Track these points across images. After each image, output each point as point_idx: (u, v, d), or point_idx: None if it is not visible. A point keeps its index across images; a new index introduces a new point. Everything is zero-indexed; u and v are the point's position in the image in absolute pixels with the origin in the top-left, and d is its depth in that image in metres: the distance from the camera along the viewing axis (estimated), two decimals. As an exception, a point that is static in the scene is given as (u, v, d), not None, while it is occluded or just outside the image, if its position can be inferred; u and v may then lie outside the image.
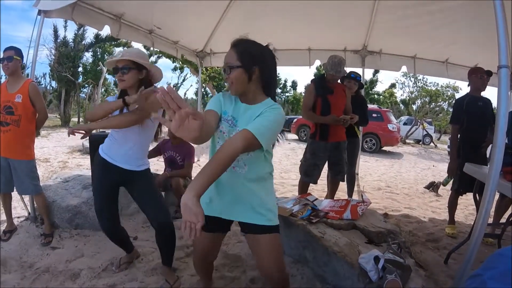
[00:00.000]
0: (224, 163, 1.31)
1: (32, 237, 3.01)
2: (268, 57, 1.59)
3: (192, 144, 3.69)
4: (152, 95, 2.02)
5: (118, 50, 20.14)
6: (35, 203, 3.20)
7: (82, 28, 16.63)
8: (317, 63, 5.77)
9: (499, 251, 0.85)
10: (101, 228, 2.33)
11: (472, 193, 3.00)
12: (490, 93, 3.72)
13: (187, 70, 22.05)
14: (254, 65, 1.54)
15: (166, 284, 2.32)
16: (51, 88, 18.21)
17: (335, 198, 3.74)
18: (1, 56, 2.85)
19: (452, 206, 3.65)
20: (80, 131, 2.23)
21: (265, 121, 1.46)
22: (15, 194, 3.12)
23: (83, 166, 6.19)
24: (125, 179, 2.28)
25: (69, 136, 2.26)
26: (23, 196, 3.31)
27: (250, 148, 1.43)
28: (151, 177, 2.42)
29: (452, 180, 3.66)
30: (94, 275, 2.44)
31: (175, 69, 23.14)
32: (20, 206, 3.51)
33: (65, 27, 16.44)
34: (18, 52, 2.89)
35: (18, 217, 3.36)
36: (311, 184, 3.74)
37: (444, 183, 3.59)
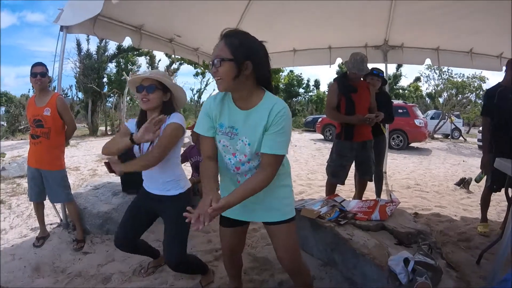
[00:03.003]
0: (256, 191, 1.50)
1: (64, 243, 3.11)
2: (261, 51, 1.49)
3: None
4: (163, 122, 1.96)
5: (140, 59, 20.62)
6: (67, 210, 3.30)
7: (104, 40, 17.08)
8: (339, 61, 5.70)
9: None
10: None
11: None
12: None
13: (209, 75, 22.29)
14: (246, 59, 1.43)
15: (199, 285, 2.39)
16: (78, 99, 18.73)
17: (363, 198, 3.68)
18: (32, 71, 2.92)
19: (485, 203, 3.50)
20: (114, 168, 2.07)
21: (280, 135, 1.48)
22: (47, 202, 3.22)
23: (112, 173, 6.33)
24: (157, 206, 2.20)
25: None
26: (55, 204, 3.42)
27: (280, 165, 1.55)
28: (179, 207, 2.01)
29: (486, 176, 3.51)
30: (125, 278, 2.51)
31: (196, 74, 23.42)
32: (52, 213, 3.63)
33: (87, 40, 16.90)
34: (47, 67, 2.98)
35: (51, 224, 3.48)
36: (338, 185, 3.69)
37: (477, 180, 3.40)
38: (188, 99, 25.17)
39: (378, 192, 4.21)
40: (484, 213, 3.54)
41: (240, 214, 1.71)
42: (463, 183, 5.71)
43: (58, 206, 3.46)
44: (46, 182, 3.02)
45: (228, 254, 1.96)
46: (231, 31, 1.47)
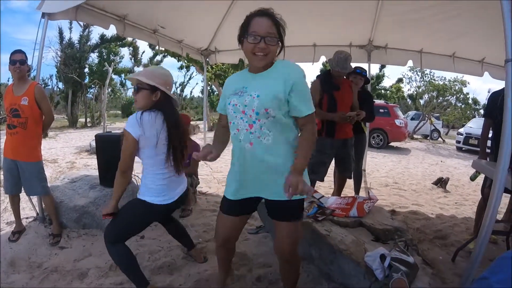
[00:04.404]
0: (312, 142, 1.61)
1: (40, 237, 3.04)
2: None
3: (197, 142, 3.69)
4: None
5: (123, 50, 20.28)
6: (43, 203, 3.22)
7: (87, 30, 16.74)
8: (323, 59, 5.72)
9: (506, 254, 0.83)
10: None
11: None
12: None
13: (193, 69, 22.10)
14: (283, 40, 1.59)
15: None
16: (58, 89, 18.34)
17: (342, 195, 3.72)
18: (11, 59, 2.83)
19: (481, 213, 3.10)
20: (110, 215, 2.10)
21: (308, 93, 1.61)
22: (23, 195, 3.15)
23: (90, 166, 6.23)
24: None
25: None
26: (31, 197, 3.33)
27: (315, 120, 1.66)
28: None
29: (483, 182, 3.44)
30: (102, 274, 2.46)
31: (181, 67, 23.18)
32: (29, 207, 3.54)
33: (70, 28, 16.59)
34: (26, 55, 2.90)
35: (27, 218, 3.39)
36: (317, 181, 3.72)
37: (472, 178, 3.46)
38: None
39: (357, 189, 4.26)
40: (477, 225, 3.21)
41: (249, 191, 1.71)
42: (440, 182, 5.86)
43: (34, 199, 3.38)
44: (22, 174, 2.94)
45: (221, 244, 1.95)
46: (271, 11, 1.60)
